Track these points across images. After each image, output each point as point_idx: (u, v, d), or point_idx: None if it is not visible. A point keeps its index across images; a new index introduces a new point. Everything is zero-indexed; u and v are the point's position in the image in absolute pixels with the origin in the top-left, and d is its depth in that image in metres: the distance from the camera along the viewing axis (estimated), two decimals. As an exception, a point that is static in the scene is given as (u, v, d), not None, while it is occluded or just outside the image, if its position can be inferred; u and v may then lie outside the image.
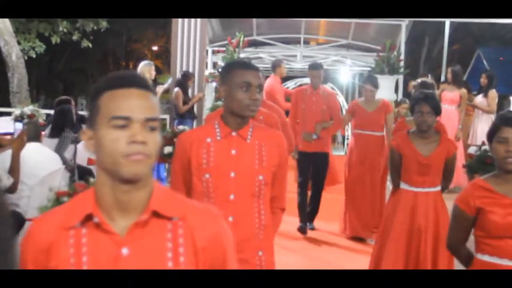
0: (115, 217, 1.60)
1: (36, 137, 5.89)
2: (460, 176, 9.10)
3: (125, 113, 1.55)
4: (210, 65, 13.64)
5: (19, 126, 5.53)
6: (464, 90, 9.29)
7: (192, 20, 9.88)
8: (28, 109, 9.02)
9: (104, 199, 1.60)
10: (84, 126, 8.26)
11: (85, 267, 1.58)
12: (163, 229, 1.62)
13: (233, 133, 2.88)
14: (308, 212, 7.74)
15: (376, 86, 7.54)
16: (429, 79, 8.21)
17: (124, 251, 1.57)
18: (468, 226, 3.09)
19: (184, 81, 9.37)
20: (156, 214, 1.61)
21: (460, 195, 3.12)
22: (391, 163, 4.89)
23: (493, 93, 9.53)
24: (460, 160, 8.41)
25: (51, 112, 8.12)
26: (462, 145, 9.19)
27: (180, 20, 9.88)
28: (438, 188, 4.75)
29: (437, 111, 4.63)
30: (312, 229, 7.77)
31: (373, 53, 12.52)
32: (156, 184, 1.65)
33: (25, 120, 8.14)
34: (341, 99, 18.49)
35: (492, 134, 3.01)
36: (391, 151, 4.86)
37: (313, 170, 7.67)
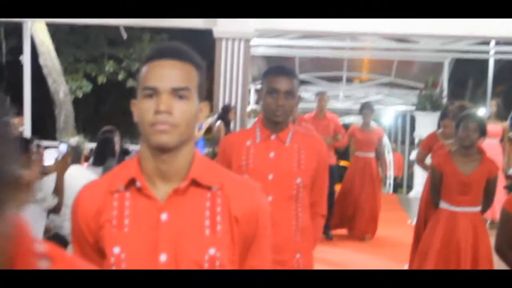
0: (157, 183, 1.64)
1: (77, 161, 5.96)
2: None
3: (152, 83, 1.60)
4: (252, 101, 13.73)
5: (64, 148, 5.57)
6: (506, 123, 9.22)
7: (235, 56, 9.98)
8: (74, 139, 9.16)
9: (146, 166, 1.65)
10: (127, 158, 8.31)
11: (126, 230, 1.63)
12: (202, 198, 1.65)
13: (272, 136, 2.93)
14: None
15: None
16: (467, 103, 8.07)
17: (163, 216, 1.61)
18: None
19: (225, 114, 9.43)
20: (195, 183, 1.64)
21: (508, 198, 3.11)
22: (432, 182, 4.82)
23: None
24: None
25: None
26: (501, 174, 9.09)
27: (223, 57, 9.96)
28: (478, 208, 4.66)
29: (482, 130, 4.52)
30: None
31: (416, 91, 12.48)
32: (197, 153, 1.69)
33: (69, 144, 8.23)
34: (384, 138, 18.20)
35: None
36: (431, 170, 4.81)
37: None
